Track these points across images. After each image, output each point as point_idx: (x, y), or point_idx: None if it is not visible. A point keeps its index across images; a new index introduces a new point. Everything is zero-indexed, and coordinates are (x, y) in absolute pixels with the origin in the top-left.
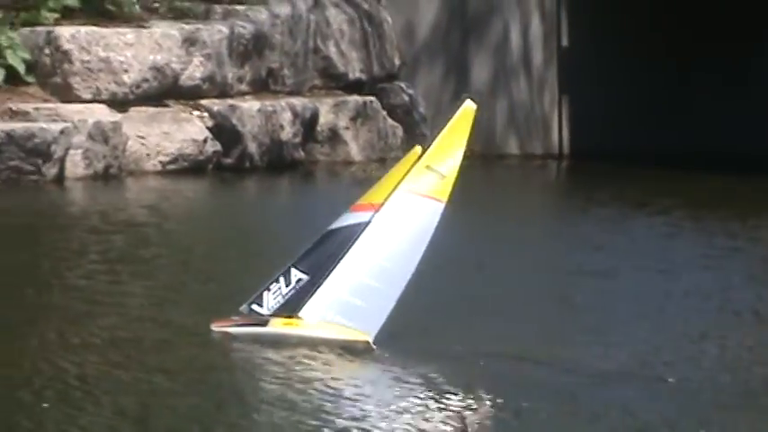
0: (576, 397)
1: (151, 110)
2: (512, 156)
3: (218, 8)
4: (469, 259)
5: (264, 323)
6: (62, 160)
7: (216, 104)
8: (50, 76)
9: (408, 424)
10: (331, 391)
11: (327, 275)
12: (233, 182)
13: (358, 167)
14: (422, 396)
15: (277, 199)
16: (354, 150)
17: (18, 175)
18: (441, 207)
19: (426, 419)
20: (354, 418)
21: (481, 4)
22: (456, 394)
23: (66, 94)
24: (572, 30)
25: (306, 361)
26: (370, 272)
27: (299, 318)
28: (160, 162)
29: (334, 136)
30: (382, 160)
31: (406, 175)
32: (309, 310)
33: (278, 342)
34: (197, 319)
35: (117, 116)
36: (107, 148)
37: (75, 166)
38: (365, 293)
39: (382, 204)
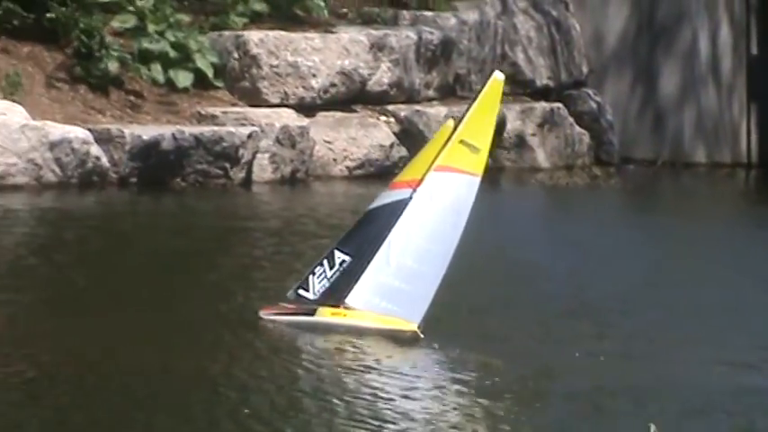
0: None
1: (338, 115)
2: (699, 164)
3: (406, 14)
4: (679, 269)
5: (312, 312)
6: (249, 164)
7: (403, 110)
8: (239, 80)
9: None
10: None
11: (371, 259)
12: None
13: (545, 174)
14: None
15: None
16: (541, 157)
17: (205, 179)
18: (477, 181)
19: None
20: None
21: (670, 12)
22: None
23: (255, 98)
24: (761, 37)
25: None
26: (412, 254)
27: (346, 307)
28: (347, 167)
29: (521, 142)
30: (569, 167)
31: (441, 150)
32: (355, 296)
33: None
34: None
35: (304, 121)
36: (294, 152)
37: (263, 169)
38: (409, 276)
39: (420, 181)
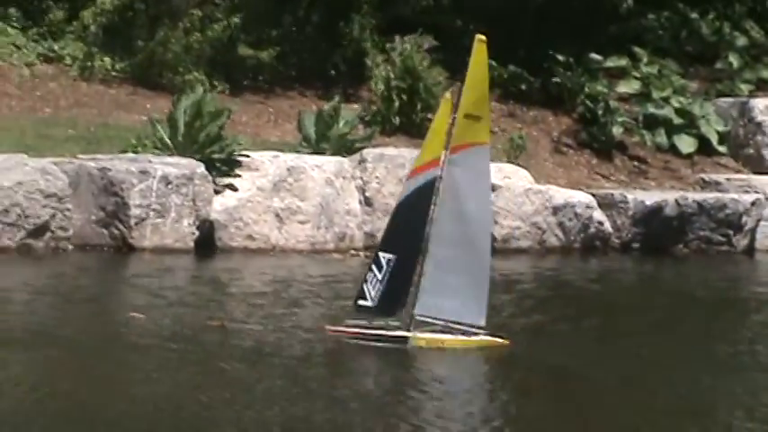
0: None
1: None
2: None
3: None
4: None
5: (404, 340)
6: (753, 231)
7: None
8: (743, 146)
9: None
10: None
11: (417, 260)
12: None
13: None
14: None
15: None
16: None
17: (707, 245)
18: (488, 149)
19: None
20: None
21: None
22: None
23: (759, 166)
24: None
25: None
26: (454, 243)
27: (440, 341)
28: None
29: None
30: None
31: (449, 130)
32: (421, 306)
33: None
34: None
35: None
36: None
37: (766, 237)
38: (459, 267)
39: (432, 162)
